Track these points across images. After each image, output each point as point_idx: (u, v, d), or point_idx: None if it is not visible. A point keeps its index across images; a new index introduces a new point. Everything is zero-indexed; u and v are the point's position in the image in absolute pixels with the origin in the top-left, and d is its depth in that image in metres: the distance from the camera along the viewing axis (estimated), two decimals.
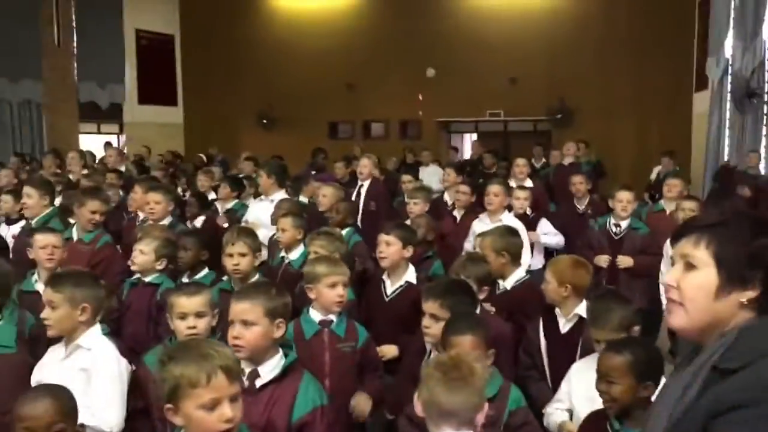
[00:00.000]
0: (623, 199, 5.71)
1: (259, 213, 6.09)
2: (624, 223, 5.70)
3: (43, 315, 2.82)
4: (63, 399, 2.16)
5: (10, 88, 14.91)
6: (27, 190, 5.27)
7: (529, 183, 7.70)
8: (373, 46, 15.86)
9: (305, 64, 16.38)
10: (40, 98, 15.49)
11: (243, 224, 5.73)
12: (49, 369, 2.73)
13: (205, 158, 12.99)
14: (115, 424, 2.67)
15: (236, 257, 3.91)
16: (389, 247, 4.04)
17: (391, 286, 4.05)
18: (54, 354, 2.89)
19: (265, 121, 17.36)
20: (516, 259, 4.17)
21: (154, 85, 17.85)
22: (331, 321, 3.29)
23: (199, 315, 2.92)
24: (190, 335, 2.80)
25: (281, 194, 6.29)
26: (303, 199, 7.59)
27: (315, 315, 3.29)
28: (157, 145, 14.69)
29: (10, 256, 4.74)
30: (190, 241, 4.37)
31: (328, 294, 3.25)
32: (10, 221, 5.89)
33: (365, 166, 7.59)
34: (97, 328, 2.91)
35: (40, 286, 3.75)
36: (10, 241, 5.26)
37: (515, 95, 15.11)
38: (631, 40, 14.28)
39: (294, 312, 2.86)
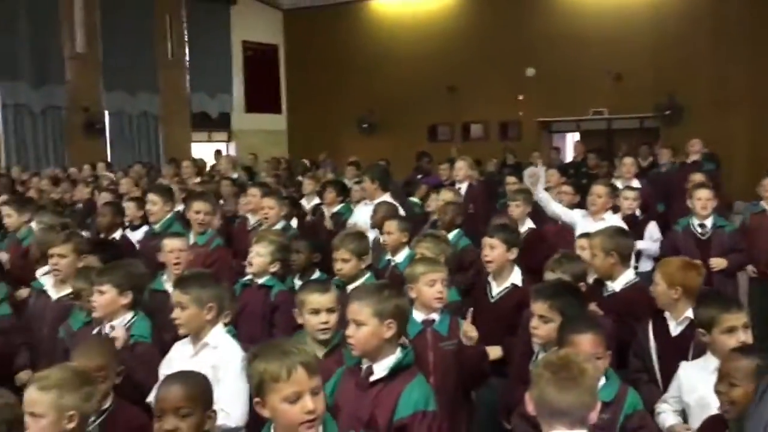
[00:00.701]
0: (702, 197, 5.46)
1: (364, 217, 6.22)
2: (708, 222, 5.44)
3: (173, 315, 3.05)
4: (192, 386, 2.33)
5: (129, 101, 15.85)
6: (151, 197, 5.62)
7: (636, 183, 7.49)
8: (473, 47, 15.83)
9: (405, 68, 16.56)
10: (157, 110, 16.45)
11: (348, 228, 5.90)
12: (178, 365, 2.94)
13: (308, 163, 13.37)
14: (240, 419, 2.84)
15: (339, 263, 4.05)
16: (494, 250, 4.06)
17: (496, 288, 4.08)
18: (182, 350, 3.10)
19: (365, 125, 17.67)
20: (625, 261, 4.09)
21: (260, 94, 18.55)
22: (434, 320, 3.35)
23: (330, 311, 3.09)
24: (323, 330, 2.97)
25: (386, 198, 6.38)
26: (414, 200, 7.74)
27: (417, 315, 3.36)
28: (263, 151, 15.25)
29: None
30: (303, 245, 4.55)
31: (428, 292, 3.33)
32: (133, 227, 6.30)
33: (461, 168, 7.63)
34: (221, 326, 3.11)
35: (168, 286, 4.03)
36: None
37: (620, 92, 14.67)
38: (745, 29, 13.55)
39: None
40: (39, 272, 4.45)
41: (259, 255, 4.24)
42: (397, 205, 6.18)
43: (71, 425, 2.27)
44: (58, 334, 3.80)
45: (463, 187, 7.53)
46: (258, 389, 2.08)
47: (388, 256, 4.89)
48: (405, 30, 17.05)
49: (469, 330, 3.24)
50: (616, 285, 4.00)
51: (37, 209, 6.28)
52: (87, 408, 2.33)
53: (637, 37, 14.34)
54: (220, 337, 3.07)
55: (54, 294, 4.19)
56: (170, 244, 4.26)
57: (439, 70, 16.14)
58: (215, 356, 2.97)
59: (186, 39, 17.01)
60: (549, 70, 15.07)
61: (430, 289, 3.33)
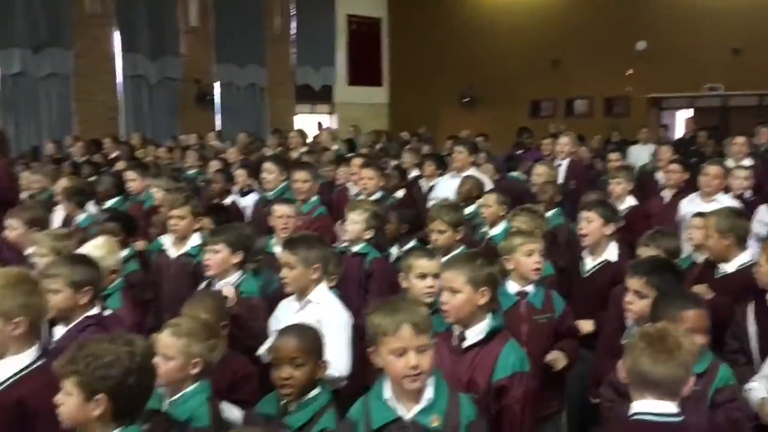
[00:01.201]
0: None
1: (447, 189, 6.23)
2: None
3: (281, 275, 3.27)
4: (306, 338, 2.54)
5: (238, 73, 16.46)
6: (268, 166, 5.92)
7: (747, 162, 7.17)
8: (579, 18, 15.38)
9: (509, 42, 16.32)
10: (263, 82, 17.00)
11: (431, 200, 5.98)
12: (285, 321, 3.15)
13: (409, 136, 13.50)
14: (344, 370, 3.04)
15: (435, 233, 4.17)
16: (590, 223, 4.06)
17: (591, 263, 4.08)
18: (288, 307, 3.33)
19: (466, 100, 17.58)
20: (741, 242, 3.95)
21: (362, 67, 18.79)
22: (527, 292, 3.41)
23: (435, 276, 3.21)
24: (428, 294, 3.11)
25: (472, 172, 6.40)
26: (517, 175, 7.73)
27: (512, 286, 3.43)
28: (364, 124, 15.48)
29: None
30: (393, 215, 4.69)
31: (525, 262, 3.38)
32: (243, 193, 6.65)
33: (565, 144, 7.53)
34: (324, 285, 3.31)
35: (277, 249, 4.28)
36: (246, 212, 5.98)
37: (738, 67, 13.90)
38: None
39: None
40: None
41: (354, 222, 4.40)
42: (486, 179, 6.18)
43: (195, 371, 2.52)
44: (178, 289, 4.10)
45: (565, 163, 7.44)
46: (372, 340, 2.26)
47: (484, 229, 4.97)
48: (510, 1, 16.78)
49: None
50: (729, 267, 3.87)
51: (156, 175, 6.72)
52: (210, 357, 2.58)
53: (757, 9, 13.52)
54: (323, 294, 3.28)
55: (173, 252, 4.52)
56: (279, 209, 4.52)
57: (543, 42, 15.81)
58: (319, 311, 3.18)
59: (293, 13, 17.42)
60: (661, 44, 14.46)
61: (528, 259, 3.39)
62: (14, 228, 4.41)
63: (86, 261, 3.11)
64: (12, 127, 13.35)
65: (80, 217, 5.56)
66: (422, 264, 3.24)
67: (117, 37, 14.64)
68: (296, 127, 15.53)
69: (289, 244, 3.39)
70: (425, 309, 2.35)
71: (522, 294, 3.42)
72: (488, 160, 8.12)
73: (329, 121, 18.24)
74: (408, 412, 2.22)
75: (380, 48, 19.33)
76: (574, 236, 4.47)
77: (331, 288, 3.60)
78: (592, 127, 14.11)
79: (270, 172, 5.78)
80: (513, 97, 16.39)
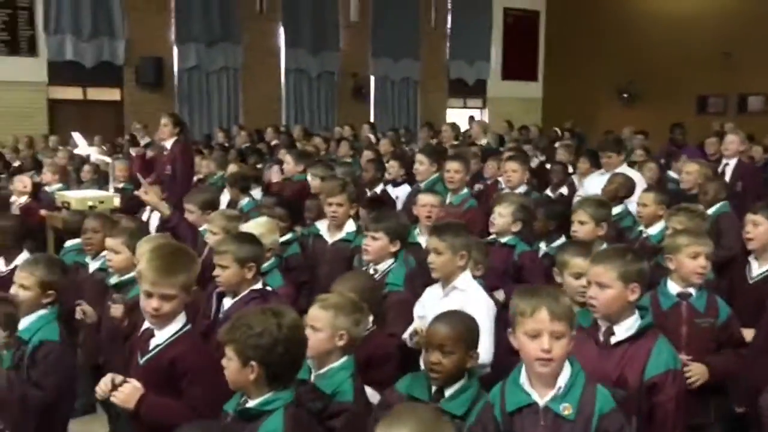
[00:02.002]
0: None
1: (594, 187, 6.04)
2: None
3: (429, 260, 3.35)
4: (457, 327, 2.59)
5: (393, 67, 16.81)
6: (420, 157, 6.05)
7: None
8: (753, 6, 14.24)
9: (673, 32, 15.43)
10: (417, 76, 17.25)
11: (576, 197, 5.83)
12: (430, 306, 3.24)
13: (560, 132, 13.18)
14: (486, 357, 3.07)
15: (576, 224, 4.10)
16: (757, 227, 3.80)
17: (757, 269, 3.82)
18: (433, 293, 3.41)
19: (625, 95, 16.86)
20: None
21: (517, 62, 18.53)
22: (690, 294, 3.26)
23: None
24: (582, 293, 3.01)
25: (624, 169, 6.17)
26: (673, 174, 7.38)
27: (673, 287, 3.29)
28: (516, 119, 15.28)
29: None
30: (541, 212, 4.63)
31: (689, 264, 3.23)
32: (396, 184, 6.81)
33: (731, 142, 7.05)
34: (469, 272, 3.35)
35: (420, 239, 4.37)
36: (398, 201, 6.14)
37: None
38: None
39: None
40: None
41: (501, 215, 4.40)
42: (639, 178, 5.94)
43: (341, 343, 2.66)
44: (333, 273, 4.29)
45: (732, 163, 6.98)
46: (512, 321, 2.30)
47: (640, 228, 4.80)
48: None
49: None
50: None
51: (313, 163, 7.04)
52: (355, 331, 2.70)
53: None
54: (468, 281, 3.32)
55: (329, 238, 4.74)
56: (424, 198, 4.61)
57: (712, 32, 14.78)
58: (463, 298, 3.22)
59: (449, 7, 17.52)
60: None
61: (693, 261, 3.24)
62: (191, 212, 4.82)
63: (251, 239, 3.34)
64: (186, 116, 14.47)
65: (243, 202, 5.96)
66: (578, 263, 3.17)
67: (281, 33, 15.44)
68: (448, 121, 15.64)
69: (437, 230, 3.46)
70: (567, 299, 2.32)
71: (683, 295, 3.26)
72: (649, 159, 7.77)
73: (480, 116, 18.18)
74: (542, 398, 2.23)
75: (537, 42, 18.98)
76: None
77: (476, 277, 3.65)
78: None
79: (421, 163, 5.89)
80: (677, 92, 15.48)
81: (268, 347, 2.24)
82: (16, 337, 2.82)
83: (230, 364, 2.27)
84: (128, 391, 2.56)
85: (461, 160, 5.38)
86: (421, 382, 2.61)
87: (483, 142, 10.29)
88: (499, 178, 6.41)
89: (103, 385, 2.58)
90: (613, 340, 2.62)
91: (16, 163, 9.42)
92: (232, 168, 7.26)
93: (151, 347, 2.70)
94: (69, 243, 4.78)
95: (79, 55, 13.35)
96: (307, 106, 15.92)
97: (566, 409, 2.20)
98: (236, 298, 3.22)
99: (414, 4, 16.86)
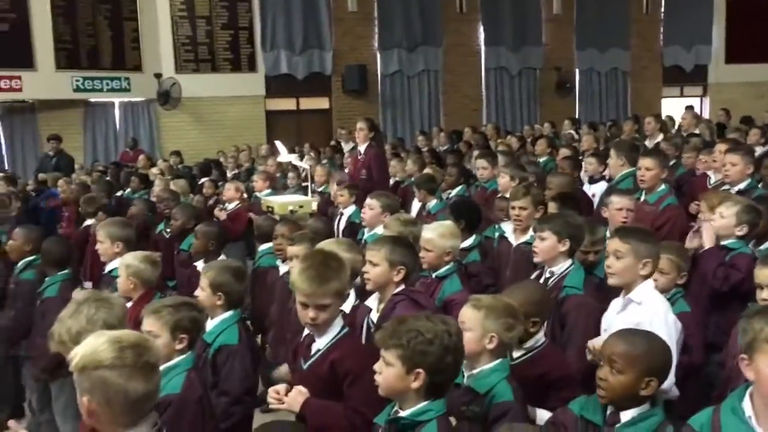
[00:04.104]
0: None
1: None
2: None
3: (607, 263, 3.07)
4: (632, 346, 2.27)
5: (599, 58, 16.01)
6: (613, 152, 5.66)
7: None
8: None
9: None
10: (627, 66, 16.26)
11: None
12: (608, 320, 2.98)
13: None
14: (666, 384, 2.70)
15: None
16: None
17: None
18: (614, 306, 3.11)
19: None
20: None
21: (745, 42, 16.72)
22: None
23: None
24: None
25: None
26: None
27: None
28: (743, 106, 13.73)
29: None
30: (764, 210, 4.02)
31: None
32: (592, 180, 6.42)
33: None
34: (650, 283, 3.01)
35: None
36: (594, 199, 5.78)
37: None
38: None
39: None
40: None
41: (722, 216, 3.88)
42: None
43: (491, 345, 2.53)
44: (517, 276, 4.12)
45: None
46: (748, 347, 1.98)
47: None
48: None
49: None
50: None
51: (507, 164, 6.85)
52: (505, 336, 2.55)
53: None
54: (646, 293, 2.98)
55: (514, 241, 4.58)
56: (618, 201, 4.26)
57: None
58: (638, 313, 2.91)
59: None
60: None
61: None
62: (372, 208, 4.91)
63: (405, 244, 3.31)
64: (389, 120, 14.94)
65: (431, 204, 5.95)
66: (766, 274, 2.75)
67: (481, 32, 15.34)
68: (664, 111, 14.56)
69: (622, 231, 3.15)
70: None
71: None
72: None
73: (701, 105, 16.68)
74: None
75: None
76: None
77: (679, 285, 3.32)
78: None
79: (611, 158, 5.50)
80: None
81: (439, 355, 2.17)
82: (201, 339, 3.01)
83: (390, 370, 2.19)
84: (293, 395, 2.62)
85: (654, 156, 4.89)
86: (595, 404, 2.35)
87: (697, 132, 9.38)
88: (709, 173, 5.77)
89: (274, 394, 2.65)
90: None
91: (235, 171, 10.29)
92: (426, 170, 7.31)
93: (312, 352, 2.74)
94: (263, 247, 5.07)
95: (293, 68, 14.31)
96: (508, 104, 15.69)
97: None
98: (384, 301, 3.18)
99: None
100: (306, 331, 2.82)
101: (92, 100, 13.41)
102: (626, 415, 2.27)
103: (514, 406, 2.46)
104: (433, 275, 3.80)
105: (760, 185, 5.15)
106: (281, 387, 2.62)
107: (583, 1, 15.69)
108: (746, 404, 1.96)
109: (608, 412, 2.31)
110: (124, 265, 3.66)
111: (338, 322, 2.74)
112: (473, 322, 2.54)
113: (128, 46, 13.43)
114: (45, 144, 12.37)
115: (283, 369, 3.28)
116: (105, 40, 13.18)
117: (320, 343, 2.73)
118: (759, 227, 3.90)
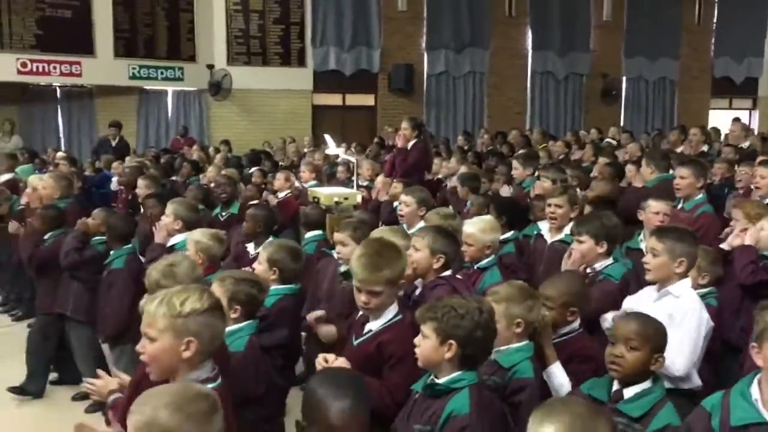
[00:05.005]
0: None
1: None
2: None
3: (644, 260, 3.22)
4: (646, 326, 2.50)
5: (647, 66, 15.93)
6: (645, 160, 5.81)
7: None
8: None
9: None
10: (675, 75, 16.14)
11: None
12: (639, 305, 3.11)
13: None
14: (682, 370, 2.88)
15: None
16: None
17: None
18: (646, 293, 3.27)
19: None
20: None
21: None
22: None
23: None
24: None
25: None
26: None
27: None
28: None
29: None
30: None
31: None
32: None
33: None
34: (688, 280, 3.15)
35: (642, 245, 4.17)
36: None
37: None
38: None
39: None
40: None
41: (763, 229, 3.96)
42: None
43: (519, 330, 2.72)
44: (550, 273, 4.28)
45: None
46: (759, 336, 2.14)
47: None
48: None
49: None
50: None
51: (544, 166, 6.98)
52: (530, 317, 2.73)
53: None
54: (685, 289, 3.13)
55: (549, 238, 4.73)
56: (656, 206, 4.40)
57: None
58: (674, 305, 3.05)
59: (716, 1, 16.13)
60: None
61: None
62: (408, 205, 5.10)
63: (448, 235, 3.50)
64: (433, 120, 15.11)
65: (470, 201, 6.13)
66: None
67: (529, 36, 15.40)
68: (711, 123, 14.44)
69: (659, 231, 3.31)
70: None
71: None
72: None
73: (750, 117, 16.48)
74: None
75: None
76: None
77: (702, 285, 3.45)
78: None
79: (642, 166, 5.63)
80: None
81: (470, 329, 2.37)
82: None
83: (426, 342, 2.40)
84: (339, 363, 2.76)
85: (691, 166, 5.01)
86: (602, 384, 2.56)
87: (745, 145, 9.35)
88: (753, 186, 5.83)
89: (321, 360, 2.77)
90: None
91: (283, 162, 10.59)
92: (463, 169, 7.48)
93: (364, 331, 2.89)
94: (308, 234, 5.30)
95: (341, 65, 14.59)
96: (552, 109, 15.72)
97: None
98: (425, 283, 3.38)
99: (675, 0, 15.79)
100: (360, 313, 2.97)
101: (147, 87, 13.88)
102: (629, 392, 2.47)
103: (533, 383, 2.64)
104: (475, 267, 3.98)
105: None
106: (331, 356, 2.74)
107: (634, 9, 15.62)
108: (754, 389, 2.13)
109: (613, 389, 2.51)
110: (194, 240, 3.92)
111: (393, 308, 2.87)
112: (498, 314, 2.69)
113: (183, 37, 13.88)
114: (101, 128, 12.88)
115: (331, 329, 3.45)
116: (161, 30, 13.63)
117: (373, 325, 2.88)
118: None
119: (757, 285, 3.69)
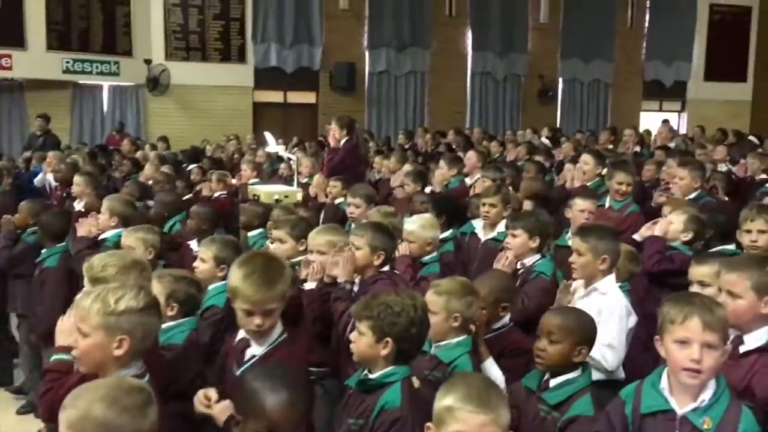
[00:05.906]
0: None
1: None
2: None
3: (570, 259, 3.36)
4: (569, 319, 2.63)
5: (582, 69, 16.37)
6: (585, 157, 6.08)
7: None
8: None
9: None
10: (609, 78, 16.64)
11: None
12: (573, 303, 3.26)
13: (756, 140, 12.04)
14: (611, 365, 3.04)
15: (755, 233, 3.81)
16: None
17: None
18: (578, 292, 3.41)
19: None
20: None
21: (723, 61, 17.22)
22: None
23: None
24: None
25: None
26: None
27: None
28: (719, 123, 14.07)
29: None
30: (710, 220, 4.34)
31: None
32: None
33: None
34: (612, 277, 3.31)
35: (570, 242, 4.34)
36: None
37: None
38: None
39: None
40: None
41: (672, 222, 4.22)
42: None
43: (456, 324, 2.82)
44: (483, 270, 4.41)
45: None
46: (660, 328, 2.28)
47: None
48: None
49: None
50: None
51: (486, 167, 7.13)
52: (468, 313, 2.84)
53: None
54: (610, 285, 3.28)
55: (482, 236, 4.86)
56: (581, 203, 4.56)
57: None
58: (601, 301, 3.19)
59: (648, 6, 16.70)
60: None
61: None
62: (358, 206, 5.17)
63: (386, 231, 3.56)
64: (374, 119, 15.20)
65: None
66: (700, 271, 3.10)
67: (469, 36, 15.64)
68: (642, 125, 14.96)
69: (581, 231, 3.44)
70: (722, 310, 2.26)
71: None
72: None
73: (679, 120, 17.13)
74: (680, 407, 2.20)
75: (747, 40, 17.51)
76: None
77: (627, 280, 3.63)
78: None
79: (586, 163, 5.82)
80: None
81: (405, 326, 2.44)
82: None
83: (362, 338, 2.47)
84: (223, 408, 2.33)
85: (627, 170, 5.22)
86: (536, 375, 2.69)
87: (672, 146, 9.75)
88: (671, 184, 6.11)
89: (203, 398, 2.40)
90: (742, 349, 2.51)
91: (223, 158, 10.48)
92: (407, 167, 7.57)
93: (246, 358, 2.63)
94: (253, 233, 5.26)
95: (282, 62, 14.53)
96: (492, 108, 15.99)
97: (706, 423, 2.16)
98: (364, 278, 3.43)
99: (609, 4, 16.28)
100: (241, 335, 2.70)
101: (81, 82, 13.53)
102: (554, 381, 2.60)
103: None
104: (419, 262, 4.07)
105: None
106: (212, 393, 2.41)
107: (569, 12, 16.02)
108: (663, 378, 2.27)
109: (543, 379, 2.64)
110: (140, 239, 3.87)
111: (278, 327, 2.65)
112: (437, 306, 2.80)
113: (120, 31, 13.58)
114: (32, 123, 12.48)
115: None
116: (97, 24, 13.30)
117: (256, 349, 2.62)
118: (704, 235, 4.25)
119: (662, 273, 3.94)
